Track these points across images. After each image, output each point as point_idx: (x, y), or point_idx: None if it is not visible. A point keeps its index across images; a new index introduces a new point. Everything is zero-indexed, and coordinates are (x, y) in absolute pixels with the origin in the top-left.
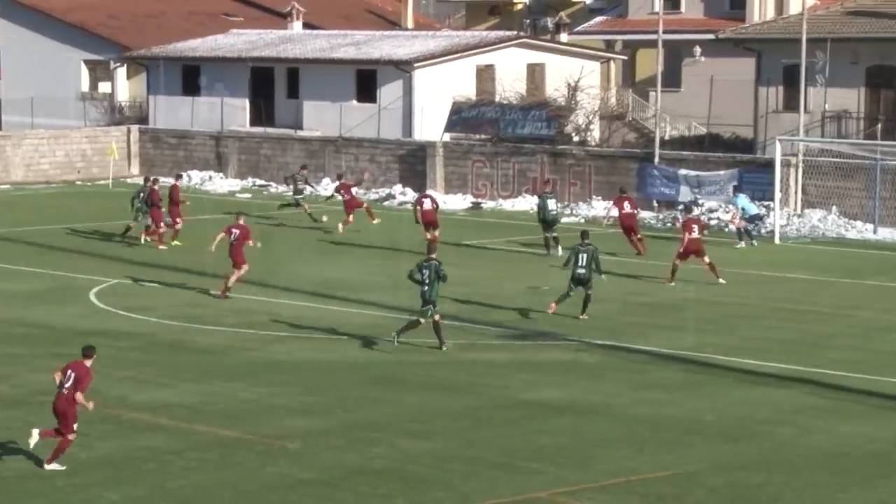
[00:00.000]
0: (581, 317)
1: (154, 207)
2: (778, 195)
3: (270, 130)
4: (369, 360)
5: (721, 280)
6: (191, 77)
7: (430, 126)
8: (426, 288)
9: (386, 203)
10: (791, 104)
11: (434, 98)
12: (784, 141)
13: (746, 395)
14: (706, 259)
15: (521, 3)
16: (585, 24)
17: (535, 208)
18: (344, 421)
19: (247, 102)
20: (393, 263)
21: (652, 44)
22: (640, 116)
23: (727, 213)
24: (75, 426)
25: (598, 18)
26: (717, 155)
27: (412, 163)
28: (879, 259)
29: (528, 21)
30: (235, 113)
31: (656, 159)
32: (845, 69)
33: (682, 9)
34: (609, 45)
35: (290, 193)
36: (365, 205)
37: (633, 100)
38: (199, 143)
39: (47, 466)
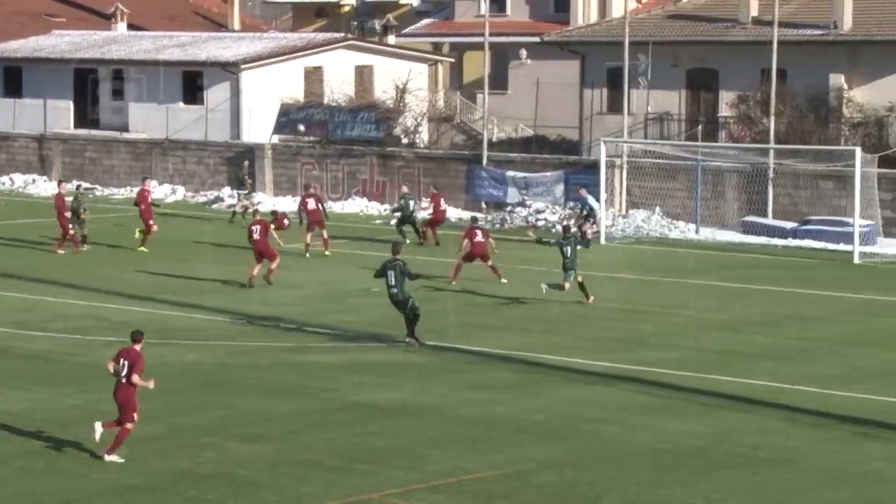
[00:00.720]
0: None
1: (60, 214)
2: (603, 196)
3: (95, 133)
4: (198, 363)
5: (503, 280)
6: (12, 78)
7: (259, 128)
8: (394, 290)
9: (214, 206)
10: (615, 106)
11: (262, 100)
12: (608, 142)
13: (575, 394)
14: (489, 263)
15: (348, 5)
16: (413, 27)
17: (394, 209)
18: (172, 426)
19: (70, 104)
20: (226, 267)
21: (479, 46)
22: (468, 118)
23: (571, 217)
24: (136, 415)
25: (425, 21)
26: (543, 156)
27: (240, 165)
28: (701, 258)
29: (355, 23)
30: (59, 115)
31: (484, 161)
32: (667, 72)
33: (508, 11)
34: (436, 48)
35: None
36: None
37: (460, 102)
38: (22, 146)
39: (107, 458)
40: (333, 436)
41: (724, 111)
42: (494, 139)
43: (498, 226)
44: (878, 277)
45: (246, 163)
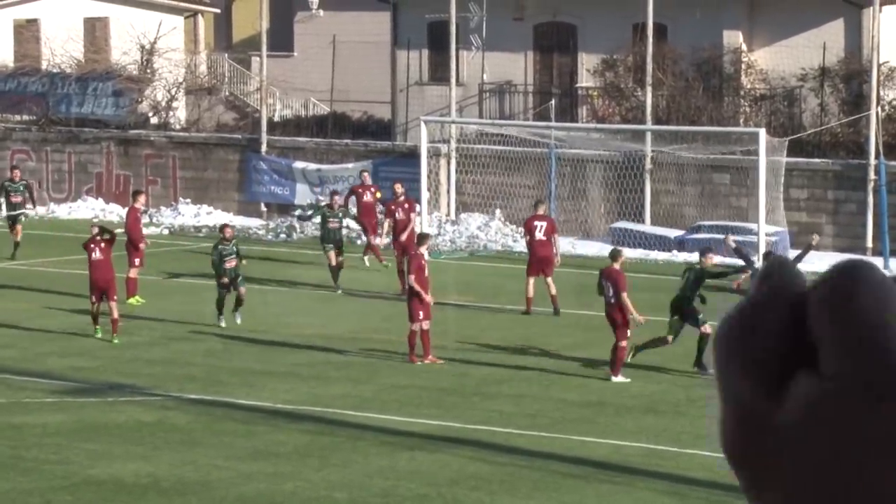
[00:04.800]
0: None
1: None
2: (425, 195)
3: None
4: None
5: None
6: None
7: None
8: None
9: None
10: (439, 74)
11: None
12: (431, 123)
13: (389, 464)
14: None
15: None
16: None
17: (309, 222)
18: None
19: None
20: None
21: None
22: (241, 90)
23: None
24: None
25: None
26: (343, 142)
27: None
28: (558, 278)
29: None
30: None
31: (263, 148)
32: (508, 27)
33: None
34: None
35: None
36: None
37: (230, 68)
38: None
39: None
40: None
41: (586, 80)
42: (277, 118)
43: (284, 236)
44: None
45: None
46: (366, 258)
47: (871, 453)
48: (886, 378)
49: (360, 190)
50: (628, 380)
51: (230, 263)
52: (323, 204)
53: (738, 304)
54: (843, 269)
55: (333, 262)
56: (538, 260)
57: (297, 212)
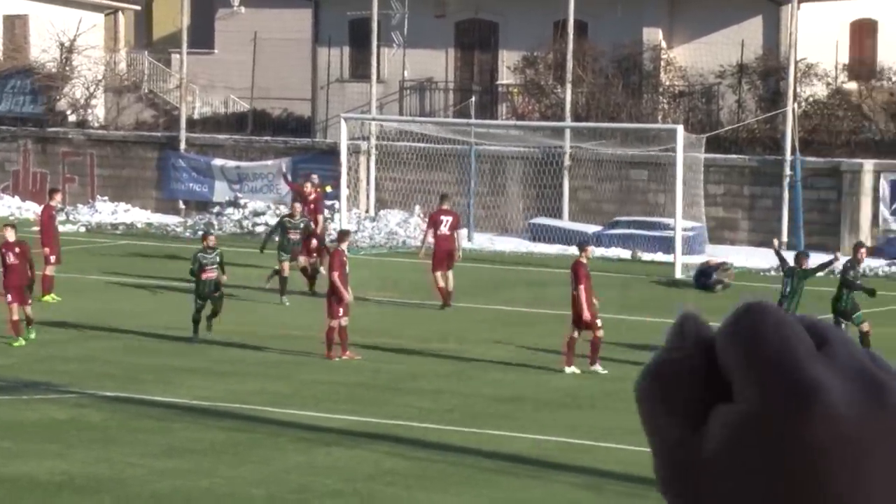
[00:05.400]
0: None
1: None
2: (345, 192)
3: None
4: None
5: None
6: None
7: None
8: None
9: None
10: (360, 71)
11: None
12: (351, 120)
13: (306, 460)
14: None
15: None
16: None
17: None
18: None
19: None
20: None
21: None
22: (161, 88)
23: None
24: None
25: None
26: (263, 139)
27: None
28: (476, 274)
29: None
30: None
31: (182, 146)
32: (430, 25)
33: None
34: None
35: None
36: None
37: (149, 65)
38: None
39: None
40: None
41: (506, 78)
42: (197, 116)
43: (201, 233)
44: (706, 297)
45: None
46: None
47: (785, 469)
48: (788, 398)
49: (305, 191)
50: (578, 371)
51: (210, 274)
52: (284, 215)
53: (656, 354)
54: (745, 309)
55: (286, 273)
56: (442, 253)
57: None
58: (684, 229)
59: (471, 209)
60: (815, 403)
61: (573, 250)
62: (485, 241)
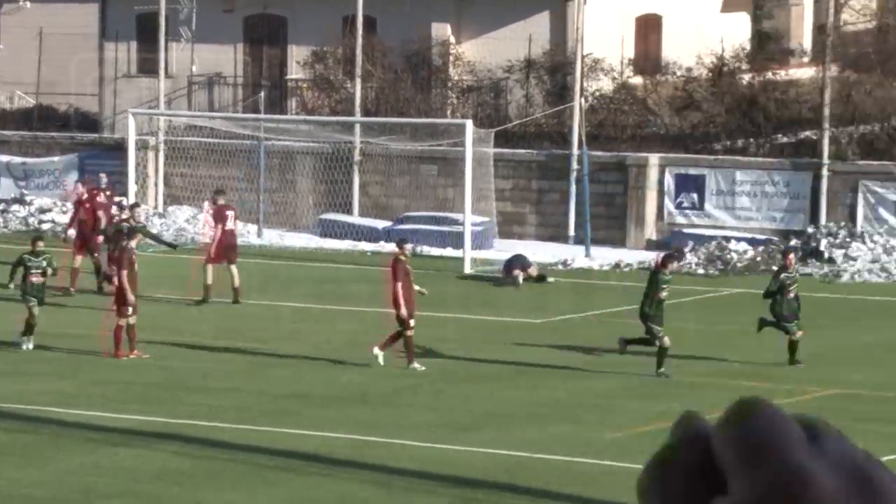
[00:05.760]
0: None
1: None
2: (133, 187)
3: None
4: None
5: None
6: None
7: None
8: None
9: None
10: (148, 66)
11: None
12: (139, 115)
13: (91, 460)
14: None
15: None
16: None
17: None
18: None
19: None
20: None
21: None
22: None
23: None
24: None
25: None
26: (49, 135)
27: None
28: (267, 270)
29: None
30: None
31: None
32: (218, 19)
33: None
34: None
35: None
36: None
37: None
38: None
39: None
40: None
41: (296, 72)
42: None
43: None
44: (494, 292)
45: None
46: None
47: None
48: (780, 490)
49: (94, 192)
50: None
51: (36, 279)
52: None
53: (657, 450)
54: (738, 405)
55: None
56: (226, 247)
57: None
58: (473, 224)
59: (260, 205)
60: (807, 496)
61: (363, 246)
62: (274, 237)
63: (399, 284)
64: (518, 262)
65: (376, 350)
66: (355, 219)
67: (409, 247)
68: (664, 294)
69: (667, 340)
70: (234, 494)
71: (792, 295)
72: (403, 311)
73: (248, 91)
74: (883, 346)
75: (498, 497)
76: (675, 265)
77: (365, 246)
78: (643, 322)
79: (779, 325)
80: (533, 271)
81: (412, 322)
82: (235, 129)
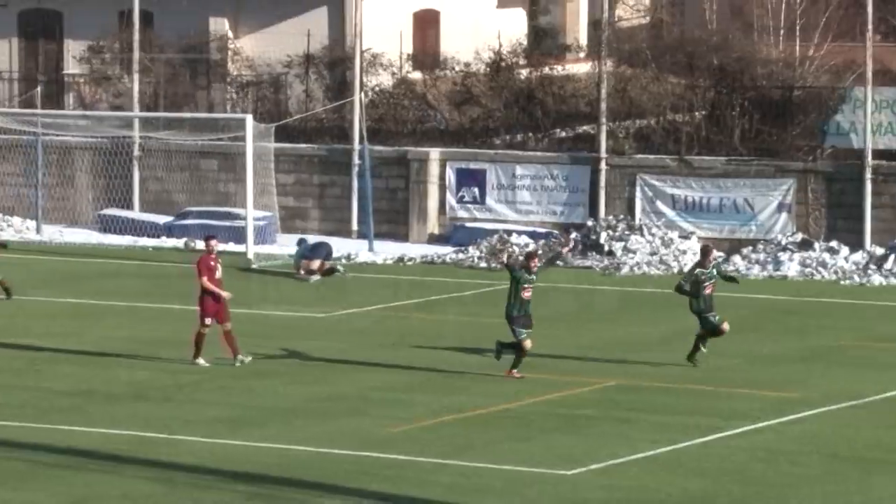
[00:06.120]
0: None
1: None
2: None
3: None
4: None
5: None
6: None
7: None
8: None
9: None
10: None
11: None
12: None
13: None
14: None
15: None
16: None
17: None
18: None
19: None
20: None
21: None
22: None
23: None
24: None
25: None
26: None
27: None
28: (46, 267)
29: None
30: None
31: None
32: None
33: None
34: None
35: None
36: None
37: None
38: None
39: None
40: None
41: (72, 67)
42: None
43: None
44: (278, 286)
45: None
46: None
47: None
48: None
49: None
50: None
51: None
52: None
53: None
54: None
55: None
56: None
57: None
58: (256, 219)
59: (38, 201)
60: None
61: (144, 241)
62: (54, 233)
63: (205, 279)
64: (323, 249)
65: (240, 356)
66: (136, 214)
67: (214, 242)
68: (528, 294)
69: (528, 343)
70: (16, 493)
71: (708, 291)
72: (211, 307)
73: (24, 86)
74: (661, 338)
75: (282, 492)
76: (538, 262)
77: (146, 241)
78: (508, 324)
79: (701, 320)
80: (315, 265)
81: (208, 321)
82: (12, 125)
